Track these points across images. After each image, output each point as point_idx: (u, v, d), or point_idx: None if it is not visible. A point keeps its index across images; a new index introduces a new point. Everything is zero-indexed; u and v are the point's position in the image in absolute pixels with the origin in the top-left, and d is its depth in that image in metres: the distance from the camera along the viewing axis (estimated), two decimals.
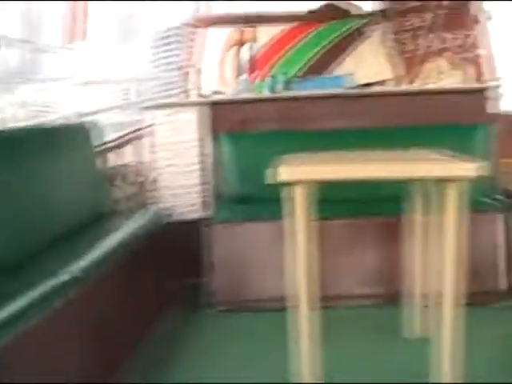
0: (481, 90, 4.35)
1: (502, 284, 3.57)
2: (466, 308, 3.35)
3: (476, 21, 5.63)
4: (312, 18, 5.45)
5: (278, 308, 3.02)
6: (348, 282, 3.64)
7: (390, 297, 3.37)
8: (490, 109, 4.46)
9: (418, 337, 3.07)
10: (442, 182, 2.55)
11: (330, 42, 5.01)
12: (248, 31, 5.39)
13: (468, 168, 2.53)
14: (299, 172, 2.38)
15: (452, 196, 2.51)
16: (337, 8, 5.49)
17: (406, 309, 3.16)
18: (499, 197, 4.08)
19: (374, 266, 3.61)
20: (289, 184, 2.44)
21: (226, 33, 5.62)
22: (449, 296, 2.47)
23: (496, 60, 5.81)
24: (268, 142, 3.93)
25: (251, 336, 3.29)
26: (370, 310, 3.55)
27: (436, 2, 5.20)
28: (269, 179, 2.43)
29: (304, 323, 2.52)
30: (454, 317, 2.50)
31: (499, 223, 3.61)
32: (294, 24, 5.24)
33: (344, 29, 5.15)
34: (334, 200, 3.61)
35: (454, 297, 2.49)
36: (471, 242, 3.54)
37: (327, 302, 3.52)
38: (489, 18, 5.83)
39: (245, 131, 4.12)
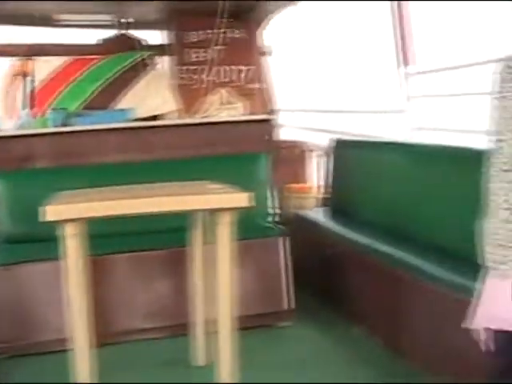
0: (261, 121, 4.56)
1: (285, 304, 3.74)
2: (254, 330, 3.54)
3: (259, 55, 5.95)
4: (98, 49, 5.41)
5: (61, 350, 2.90)
6: (135, 316, 3.60)
7: (178, 328, 3.40)
8: (270, 138, 4.72)
9: (205, 364, 3.12)
10: (215, 212, 2.63)
11: (113, 75, 4.99)
12: (30, 62, 5.21)
13: (239, 198, 2.63)
14: (65, 210, 2.33)
15: (224, 226, 2.59)
16: (126, 39, 5.51)
17: (193, 338, 3.20)
18: (282, 220, 4.32)
19: (161, 298, 3.61)
20: (59, 222, 2.38)
21: (9, 63, 5.39)
22: (222, 322, 2.54)
23: (275, 92, 6.19)
24: (46, 179, 3.77)
25: (35, 381, 3.12)
26: (158, 342, 3.54)
27: (220, 35, 5.39)
28: (41, 218, 2.36)
29: (82, 363, 2.46)
30: (228, 342, 2.57)
31: (281, 247, 3.79)
32: (77, 56, 5.16)
33: (128, 61, 5.16)
34: (118, 234, 3.60)
35: (227, 322, 2.55)
36: (256, 266, 3.74)
37: (115, 338, 3.49)
38: (269, 53, 6.21)
39: (22, 168, 3.93)
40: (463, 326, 2.04)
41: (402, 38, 4.27)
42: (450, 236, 3.29)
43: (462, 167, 3.34)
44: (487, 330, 2.04)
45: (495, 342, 2.18)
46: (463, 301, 2.52)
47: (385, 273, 3.33)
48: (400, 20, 4.29)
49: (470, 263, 2.36)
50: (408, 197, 3.75)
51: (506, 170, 1.66)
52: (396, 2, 4.29)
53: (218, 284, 2.54)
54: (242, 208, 2.56)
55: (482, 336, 2.16)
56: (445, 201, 3.43)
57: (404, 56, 4.29)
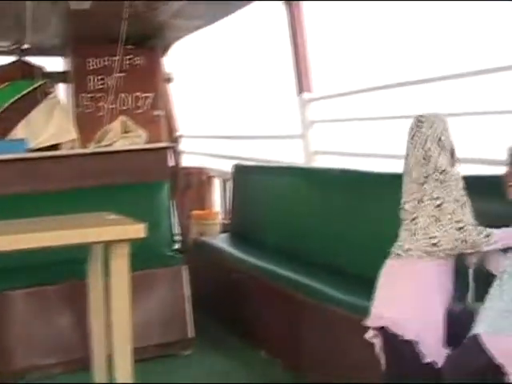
0: (162, 148, 4.55)
1: (187, 333, 3.73)
2: (156, 360, 3.50)
3: (162, 81, 5.96)
4: None
5: None
6: (36, 352, 3.49)
7: (81, 362, 3.32)
8: (172, 165, 4.71)
9: None
10: (110, 244, 2.60)
11: (10, 103, 4.84)
12: None
13: (134, 229, 2.61)
14: None
15: (119, 257, 2.57)
16: (23, 66, 5.37)
17: (94, 372, 3.13)
18: (185, 248, 4.31)
19: (63, 333, 3.52)
20: None
21: None
22: (119, 355, 2.50)
23: (177, 119, 6.22)
24: None
25: None
26: (62, 377, 3.43)
27: (122, 62, 5.35)
28: None
29: None
30: (127, 375, 2.53)
31: (182, 275, 3.78)
32: None
33: (26, 89, 5.02)
34: (16, 268, 3.49)
35: (124, 355, 2.52)
36: (157, 295, 3.71)
37: (16, 375, 3.37)
38: (170, 80, 6.23)
39: None
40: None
41: (298, 65, 4.39)
42: (349, 257, 3.39)
43: (360, 190, 3.46)
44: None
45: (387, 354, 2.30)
46: (361, 321, 2.62)
47: (284, 296, 3.38)
48: (296, 48, 4.40)
49: (369, 283, 2.48)
50: (307, 220, 3.84)
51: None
52: (291, 30, 4.40)
53: (113, 317, 2.50)
54: (136, 239, 2.54)
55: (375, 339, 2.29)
56: (343, 223, 3.54)
57: (301, 83, 4.41)
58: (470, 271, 2.31)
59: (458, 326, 2.19)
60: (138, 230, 2.50)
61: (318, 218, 3.76)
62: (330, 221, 3.64)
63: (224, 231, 4.82)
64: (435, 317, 2.22)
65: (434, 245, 2.18)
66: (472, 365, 1.97)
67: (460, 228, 2.17)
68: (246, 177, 4.67)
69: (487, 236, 2.18)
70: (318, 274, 3.37)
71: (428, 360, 2.18)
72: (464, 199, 2.20)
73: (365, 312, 2.45)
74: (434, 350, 2.18)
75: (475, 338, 1.99)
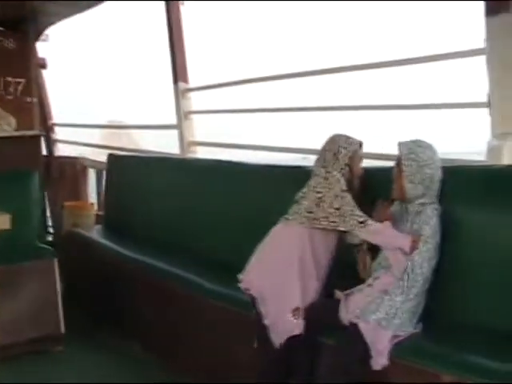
0: (33, 137, 4.37)
1: (62, 327, 3.60)
2: (30, 356, 3.36)
3: (34, 67, 5.70)
4: None
5: None
6: None
7: None
8: (44, 154, 4.54)
9: None
10: None
11: None
12: None
13: None
14: None
15: None
16: None
17: None
18: (56, 240, 4.17)
19: None
20: None
21: None
22: None
23: (51, 107, 6.00)
24: None
25: None
26: None
27: None
28: None
29: None
30: None
31: (52, 268, 3.63)
32: None
33: None
34: None
35: None
36: (25, 290, 3.54)
37: None
38: (44, 66, 5.98)
39: None
40: None
41: (174, 55, 4.35)
42: (226, 249, 3.39)
43: (235, 181, 3.49)
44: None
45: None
46: (241, 314, 2.66)
47: (158, 290, 3.35)
48: (172, 36, 4.36)
49: None
50: (181, 211, 3.83)
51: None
52: (168, 16, 4.35)
53: None
54: (1, 231, 2.44)
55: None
56: (217, 214, 3.55)
57: (176, 73, 4.36)
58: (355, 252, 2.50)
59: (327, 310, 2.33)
60: (3, 221, 2.40)
61: (192, 210, 3.76)
62: (205, 212, 3.65)
63: (99, 223, 4.70)
64: (289, 284, 2.42)
65: (314, 219, 2.42)
66: (354, 351, 2.13)
67: (337, 209, 2.39)
68: (120, 167, 4.58)
69: (361, 222, 2.33)
70: (192, 266, 3.35)
71: (266, 322, 2.38)
72: (344, 194, 2.41)
73: (245, 306, 2.52)
74: (276, 314, 2.39)
75: (355, 326, 2.13)
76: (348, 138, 2.56)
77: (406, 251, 2.24)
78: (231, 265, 2.85)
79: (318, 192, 2.45)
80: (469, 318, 2.26)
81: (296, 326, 2.33)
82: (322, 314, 2.35)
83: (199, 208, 3.71)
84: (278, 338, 2.37)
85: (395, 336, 2.12)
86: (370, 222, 2.33)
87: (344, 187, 2.43)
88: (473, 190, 2.36)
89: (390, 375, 2.10)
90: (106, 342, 3.69)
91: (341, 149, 2.52)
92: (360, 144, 2.56)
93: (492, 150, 2.41)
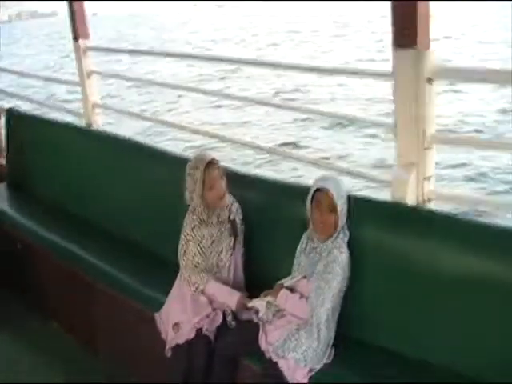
0: None
1: None
2: None
3: None
4: None
5: None
6: None
7: None
8: None
9: None
10: None
11: None
12: None
13: None
14: None
15: None
16: None
17: None
18: None
19: None
20: None
21: None
22: None
23: None
24: None
25: None
26: None
27: None
28: None
29: None
30: None
31: None
32: None
33: None
34: None
35: None
36: None
37: None
38: None
39: None
40: None
41: (73, 11, 4.11)
42: (140, 230, 3.34)
43: (146, 163, 3.40)
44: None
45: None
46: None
47: (68, 272, 3.34)
48: None
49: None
50: (86, 181, 3.76)
51: None
52: None
53: None
54: None
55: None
56: (122, 187, 3.50)
57: (76, 29, 4.15)
58: None
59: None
60: None
61: (96, 180, 3.69)
62: (111, 184, 3.58)
63: (2, 176, 4.49)
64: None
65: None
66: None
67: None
68: (22, 125, 4.38)
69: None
70: (102, 244, 3.33)
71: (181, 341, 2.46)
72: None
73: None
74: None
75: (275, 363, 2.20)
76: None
77: (233, 309, 2.40)
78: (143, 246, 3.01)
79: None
80: (379, 340, 2.31)
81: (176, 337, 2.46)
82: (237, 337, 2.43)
83: (103, 179, 3.65)
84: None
85: (312, 369, 2.19)
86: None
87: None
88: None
89: None
90: (24, 319, 3.63)
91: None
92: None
93: (398, 182, 2.41)
